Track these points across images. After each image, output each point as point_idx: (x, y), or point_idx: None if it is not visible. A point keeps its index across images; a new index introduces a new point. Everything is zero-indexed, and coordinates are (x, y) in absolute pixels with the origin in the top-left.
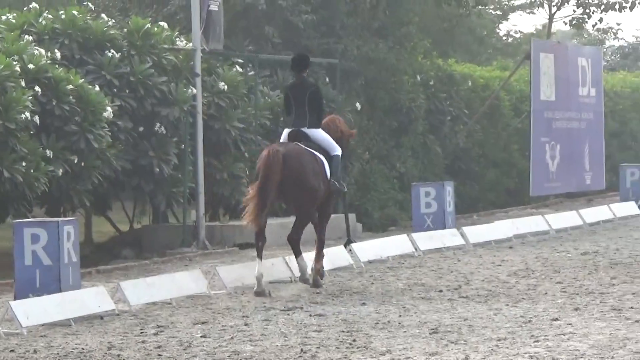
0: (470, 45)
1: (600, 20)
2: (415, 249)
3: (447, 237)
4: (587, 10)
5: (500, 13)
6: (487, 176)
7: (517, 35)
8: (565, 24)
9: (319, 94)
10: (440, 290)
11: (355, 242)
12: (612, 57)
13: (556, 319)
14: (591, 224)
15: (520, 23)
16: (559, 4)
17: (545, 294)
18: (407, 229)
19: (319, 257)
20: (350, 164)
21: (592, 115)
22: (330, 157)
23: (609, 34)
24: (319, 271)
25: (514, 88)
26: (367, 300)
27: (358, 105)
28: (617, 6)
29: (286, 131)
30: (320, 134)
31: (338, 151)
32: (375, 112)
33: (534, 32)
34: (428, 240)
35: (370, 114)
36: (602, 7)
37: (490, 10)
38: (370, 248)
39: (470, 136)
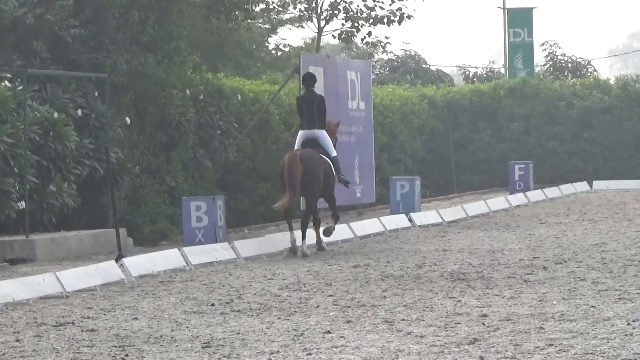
0: (239, 59)
1: (369, 33)
2: (187, 263)
3: (219, 251)
4: (356, 24)
5: (269, 27)
6: (257, 190)
7: (287, 49)
8: (335, 37)
9: (323, 103)
10: (212, 304)
11: (126, 256)
12: (382, 71)
13: (328, 332)
14: (362, 236)
15: (289, 37)
16: (327, 18)
17: (317, 307)
18: (178, 243)
19: (336, 221)
20: (120, 178)
21: (362, 128)
22: (331, 159)
23: (377, 47)
24: (331, 229)
25: (284, 102)
26: (139, 314)
27: (128, 119)
28: (385, 20)
29: (300, 133)
30: (325, 138)
31: (335, 153)
32: (145, 126)
33: (303, 45)
34: (199, 254)
35: (140, 129)
36: (371, 20)
37: (260, 24)
38: (142, 262)
39: (240, 150)
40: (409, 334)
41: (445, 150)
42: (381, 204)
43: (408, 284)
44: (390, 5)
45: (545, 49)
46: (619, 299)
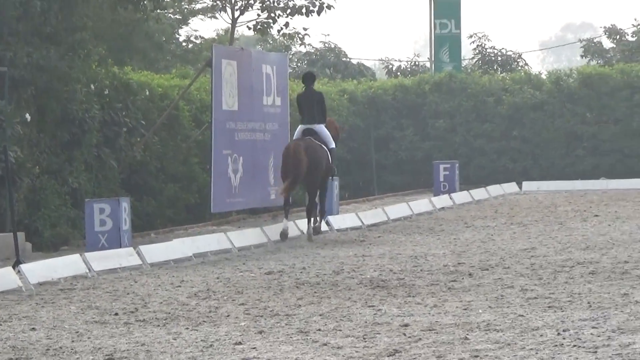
0: (148, 52)
1: (286, 25)
2: (89, 270)
3: (123, 257)
4: (273, 15)
5: (180, 17)
6: (165, 191)
7: (198, 41)
8: (249, 28)
9: (322, 99)
10: (116, 314)
11: (24, 262)
12: (299, 64)
13: (239, 343)
14: (276, 241)
15: (201, 28)
16: (242, 8)
17: (228, 316)
18: (80, 248)
19: (322, 217)
20: (18, 179)
21: (278, 126)
22: (329, 149)
23: (295, 39)
24: (318, 228)
25: (195, 97)
26: (37, 325)
27: (28, 116)
28: (304, 10)
29: (300, 127)
30: (324, 131)
31: (333, 144)
32: (46, 123)
33: (216, 37)
34: (103, 260)
35: (41, 126)
36: (288, 11)
37: (170, 15)
38: (41, 269)
39: (147, 149)
40: (325, 345)
41: (365, 149)
42: (297, 206)
43: (325, 292)
44: None
45: (473, 42)
46: (549, 307)
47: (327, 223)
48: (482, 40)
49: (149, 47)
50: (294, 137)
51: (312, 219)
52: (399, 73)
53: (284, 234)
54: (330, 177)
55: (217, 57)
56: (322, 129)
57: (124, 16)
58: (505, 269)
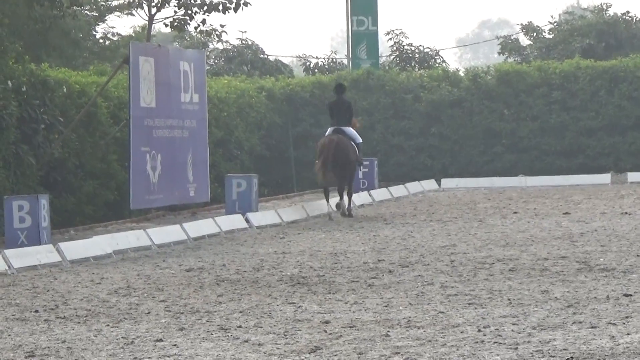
0: (65, 49)
1: (204, 22)
2: (9, 267)
3: (43, 254)
4: (189, 12)
5: (97, 14)
6: (84, 188)
7: (115, 38)
8: (166, 25)
9: (351, 107)
10: (36, 311)
11: None
12: (217, 61)
13: (160, 340)
14: (196, 238)
15: (118, 25)
16: (159, 5)
17: (148, 313)
18: None
19: (351, 200)
20: None
21: (196, 123)
22: (356, 144)
23: (212, 36)
24: (351, 209)
25: (112, 94)
26: None
27: None
28: (220, 7)
29: (331, 128)
30: (351, 130)
31: (360, 140)
32: None
33: (133, 34)
34: (22, 257)
35: None
36: (205, 8)
37: (87, 12)
38: None
39: (66, 146)
40: (246, 341)
41: (284, 146)
42: (216, 203)
43: (245, 289)
44: None
45: (390, 39)
46: (469, 304)
47: (247, 220)
48: (400, 37)
49: (65, 44)
50: (326, 134)
51: (343, 196)
52: (316, 70)
53: (330, 215)
54: (359, 166)
55: (134, 54)
56: (349, 129)
57: (40, 13)
58: (425, 266)
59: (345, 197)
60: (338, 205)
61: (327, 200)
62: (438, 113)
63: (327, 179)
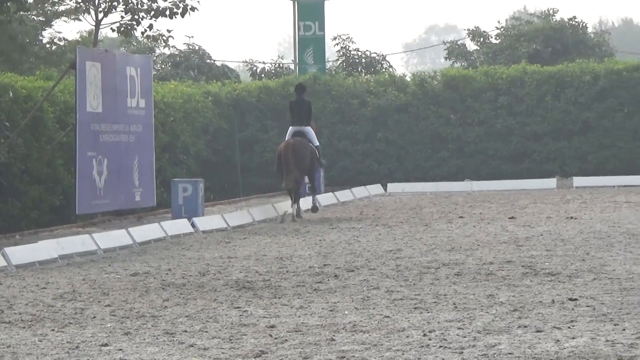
0: (11, 54)
1: (150, 27)
2: None
3: None
4: (136, 17)
5: (44, 19)
6: (30, 193)
7: (62, 43)
8: (113, 30)
9: (310, 107)
10: None
11: None
12: (163, 66)
13: (105, 345)
14: (141, 243)
15: (65, 30)
16: (106, 10)
17: (94, 317)
18: None
19: (314, 196)
20: None
21: (142, 127)
22: (315, 146)
23: (159, 41)
24: (315, 207)
25: (59, 99)
26: None
27: None
28: (167, 12)
29: (291, 129)
30: (310, 132)
31: (317, 143)
32: None
33: (80, 39)
34: None
35: None
36: (152, 13)
37: (33, 17)
38: None
39: (12, 151)
40: (191, 346)
41: (230, 150)
42: (162, 207)
43: (191, 293)
44: None
45: (337, 44)
46: (415, 308)
47: (192, 225)
48: (346, 42)
49: (12, 48)
50: (286, 138)
51: (299, 201)
52: (263, 75)
53: (292, 216)
54: (320, 167)
55: (81, 59)
56: (309, 130)
57: None
58: (371, 270)
59: (302, 200)
60: (294, 214)
61: (292, 200)
62: (384, 118)
63: (294, 177)
